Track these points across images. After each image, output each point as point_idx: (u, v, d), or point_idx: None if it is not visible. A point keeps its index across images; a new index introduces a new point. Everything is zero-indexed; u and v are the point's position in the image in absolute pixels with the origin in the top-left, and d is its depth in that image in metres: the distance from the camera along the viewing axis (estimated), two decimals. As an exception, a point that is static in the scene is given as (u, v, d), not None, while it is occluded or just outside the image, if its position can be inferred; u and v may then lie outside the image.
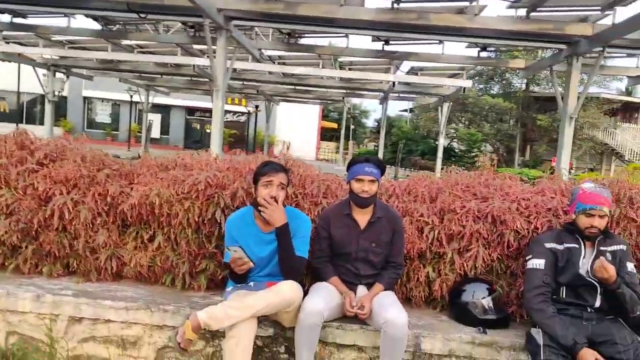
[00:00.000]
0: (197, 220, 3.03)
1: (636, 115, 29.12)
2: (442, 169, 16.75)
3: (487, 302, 2.91)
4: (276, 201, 2.66)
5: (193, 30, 10.90)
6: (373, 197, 2.84)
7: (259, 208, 2.66)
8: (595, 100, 24.05)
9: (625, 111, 28.22)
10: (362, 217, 2.88)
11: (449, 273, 3.06)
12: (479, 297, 2.92)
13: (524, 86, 27.27)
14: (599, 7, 7.05)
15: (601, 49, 7.44)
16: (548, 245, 2.77)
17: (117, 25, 11.58)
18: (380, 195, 3.21)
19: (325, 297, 2.68)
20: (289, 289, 2.55)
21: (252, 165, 3.20)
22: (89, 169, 3.32)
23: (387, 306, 2.62)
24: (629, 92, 30.86)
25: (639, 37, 7.06)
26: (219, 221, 3.01)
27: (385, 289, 2.84)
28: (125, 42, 13.56)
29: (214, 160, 3.41)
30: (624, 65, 10.02)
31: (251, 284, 2.76)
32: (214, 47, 8.65)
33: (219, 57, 8.64)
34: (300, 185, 3.24)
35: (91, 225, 3.15)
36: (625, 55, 9.28)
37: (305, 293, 2.73)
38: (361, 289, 2.86)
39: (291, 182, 3.04)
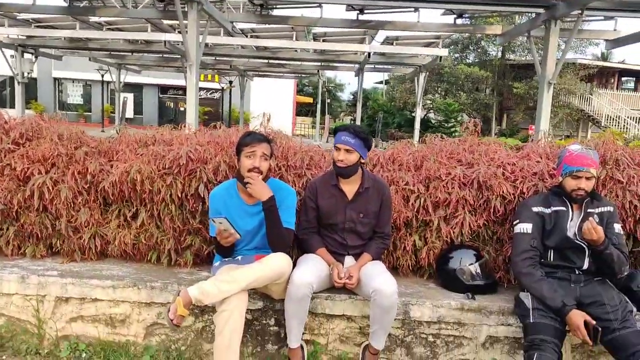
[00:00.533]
0: (180, 195, 2.96)
1: (612, 80, 29.44)
2: (419, 140, 16.73)
3: (475, 268, 2.93)
4: (260, 172, 2.61)
5: (163, 4, 10.57)
6: (351, 168, 2.77)
7: (245, 182, 2.61)
8: (571, 66, 24.21)
9: (601, 77, 28.49)
10: (350, 188, 2.84)
11: (435, 241, 3.07)
12: (466, 263, 2.94)
13: (499, 54, 27.33)
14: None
15: (579, 11, 7.42)
16: (535, 209, 2.77)
17: (84, 2, 11.16)
18: (364, 165, 3.18)
19: (313, 268, 2.66)
20: (278, 261, 2.53)
21: (233, 139, 3.13)
22: (66, 147, 3.22)
23: (375, 275, 2.62)
24: (604, 57, 31.19)
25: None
26: (202, 196, 2.95)
27: (373, 259, 2.83)
28: (93, 19, 13.15)
29: (194, 134, 3.33)
30: (602, 29, 10.06)
31: (239, 257, 2.73)
32: (185, 21, 8.43)
33: (190, 32, 8.43)
34: (283, 157, 3.19)
35: (72, 205, 3.08)
36: (602, 18, 9.29)
37: (293, 265, 2.71)
38: (349, 260, 2.85)
39: (274, 155, 2.99)
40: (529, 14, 8.96)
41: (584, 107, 25.60)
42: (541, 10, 8.07)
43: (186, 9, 8.46)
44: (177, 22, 8.55)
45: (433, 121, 29.55)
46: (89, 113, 30.18)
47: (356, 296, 2.78)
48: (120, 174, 3.00)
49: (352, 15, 10.22)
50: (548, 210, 2.75)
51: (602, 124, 24.92)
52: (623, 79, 31.61)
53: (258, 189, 2.58)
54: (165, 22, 13.21)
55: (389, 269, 3.00)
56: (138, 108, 30.53)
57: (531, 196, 2.97)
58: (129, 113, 29.12)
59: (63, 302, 2.86)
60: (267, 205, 2.59)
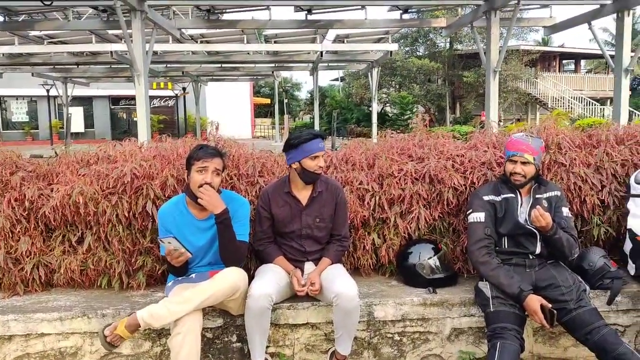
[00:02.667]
0: (127, 215, 2.84)
1: (554, 63, 30.59)
2: (377, 134, 16.89)
3: (434, 261, 2.93)
4: (212, 188, 2.50)
5: (106, 14, 10.25)
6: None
7: (198, 196, 2.49)
8: (515, 52, 24.95)
9: (543, 61, 29.55)
10: (303, 193, 2.78)
11: (393, 237, 3.05)
12: (425, 257, 2.93)
13: (447, 45, 27.89)
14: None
15: (516, 1, 7.64)
16: (486, 197, 2.80)
17: (22, 16, 10.70)
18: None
19: (272, 279, 2.60)
20: (231, 276, 2.44)
21: (180, 151, 3.02)
22: (0, 174, 3.03)
23: (336, 279, 2.57)
24: (545, 42, 32.33)
25: (551, -13, 7.31)
26: (151, 214, 2.83)
27: (332, 263, 2.78)
28: (33, 33, 12.62)
29: (139, 149, 3.20)
30: (539, 16, 10.38)
31: (192, 275, 2.63)
32: (130, 30, 8.19)
33: (136, 40, 8.20)
34: (235, 166, 3.10)
35: (10, 234, 2.89)
36: (539, 6, 9.60)
37: (252, 277, 2.64)
38: (308, 266, 2.79)
39: (227, 167, 2.90)
40: (471, 6, 9.15)
41: (530, 90, 26.50)
42: (481, 2, 8.28)
43: (130, 18, 8.22)
44: (122, 31, 8.28)
45: (390, 114, 29.88)
46: (37, 130, 29.04)
47: (319, 303, 2.72)
48: (61, 198, 2.84)
49: (301, 15, 10.19)
50: (498, 198, 2.78)
51: (549, 106, 25.84)
52: (564, 61, 33.01)
53: (211, 201, 2.48)
54: (111, 32, 12.84)
55: (351, 270, 2.99)
56: (89, 121, 29.57)
57: (481, 185, 3.01)
58: (80, 127, 28.23)
59: (6, 340, 2.67)
60: (221, 219, 2.49)
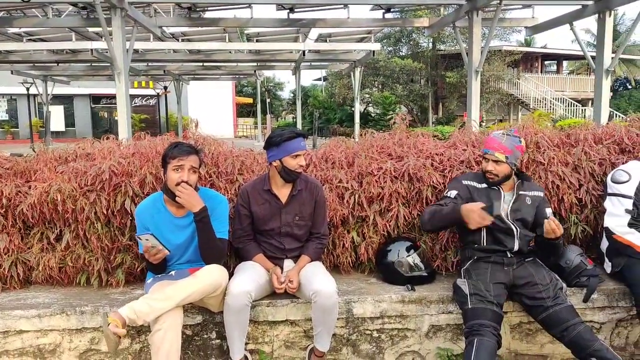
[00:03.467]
0: (105, 212, 2.82)
1: (536, 64, 30.94)
2: (361, 134, 16.91)
3: (412, 259, 2.96)
4: (189, 186, 2.50)
5: (86, 11, 10.13)
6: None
7: (176, 194, 2.48)
8: (497, 53, 25.17)
9: (525, 62, 29.84)
10: (283, 191, 2.80)
11: (373, 235, 3.08)
12: (403, 255, 2.96)
13: (430, 45, 28.06)
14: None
15: (498, 1, 7.70)
16: (465, 182, 2.83)
17: (1, 13, 10.52)
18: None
19: (251, 276, 2.61)
20: (212, 273, 2.44)
21: (159, 148, 3.01)
22: (-23, 172, 2.99)
23: (314, 277, 2.59)
24: (527, 43, 32.70)
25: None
26: (129, 211, 2.82)
27: (311, 260, 2.81)
28: (12, 30, 12.42)
29: (118, 146, 3.18)
30: (521, 17, 10.48)
31: (172, 273, 2.63)
32: (110, 28, 8.12)
33: (116, 38, 8.14)
34: (214, 164, 3.10)
35: (-13, 232, 2.86)
36: (521, 7, 9.69)
37: (231, 275, 2.64)
38: (288, 263, 2.81)
39: (204, 163, 2.90)
40: (453, 6, 9.23)
41: (512, 91, 26.76)
42: (463, 2, 8.34)
43: (110, 16, 8.14)
44: (102, 28, 8.19)
45: (372, 114, 29.96)
46: (17, 129, 28.60)
47: (298, 300, 2.74)
48: (39, 195, 2.82)
49: (283, 14, 10.19)
50: (479, 186, 2.81)
51: (531, 107, 26.14)
52: (546, 62, 33.36)
53: (189, 199, 2.47)
54: (91, 29, 12.69)
55: (330, 268, 3.01)
56: (69, 120, 29.19)
57: (465, 173, 3.04)
58: (60, 126, 27.85)
59: (-16, 337, 2.66)
60: (200, 217, 2.49)
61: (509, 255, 2.77)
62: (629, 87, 38.71)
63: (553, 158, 3.20)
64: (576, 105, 26.06)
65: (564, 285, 2.76)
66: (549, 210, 2.84)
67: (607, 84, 8.40)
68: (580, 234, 3.17)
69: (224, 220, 2.65)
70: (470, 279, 2.70)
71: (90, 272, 2.92)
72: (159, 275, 2.62)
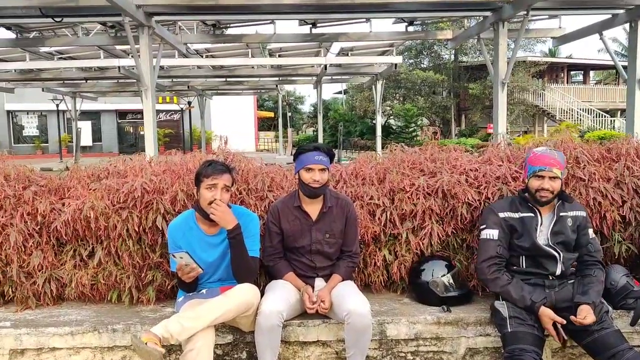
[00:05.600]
0: (137, 230, 2.82)
1: (562, 75, 30.45)
2: (383, 147, 16.93)
3: (448, 279, 2.88)
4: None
5: (114, 30, 10.36)
6: (324, 187, 2.71)
7: (209, 212, 2.47)
8: (522, 64, 24.88)
9: (551, 72, 29.41)
10: (313, 208, 2.76)
11: (405, 254, 3.01)
12: (438, 275, 2.88)
13: (452, 57, 27.90)
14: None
15: (525, 12, 7.58)
16: (502, 214, 2.72)
17: (33, 33, 10.83)
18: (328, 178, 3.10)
19: (282, 295, 2.56)
20: (244, 292, 2.41)
21: (189, 165, 3.01)
22: (14, 188, 3.04)
23: (347, 297, 2.54)
24: (552, 54, 32.24)
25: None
26: (161, 228, 2.82)
27: (343, 279, 2.75)
28: (43, 49, 12.77)
29: (149, 163, 3.19)
30: (548, 27, 10.28)
31: (203, 291, 2.61)
32: (137, 45, 8.25)
33: (143, 56, 8.25)
34: (244, 181, 3.08)
35: (23, 248, 2.90)
36: (547, 17, 9.51)
37: (261, 293, 2.61)
38: (319, 282, 2.76)
39: (236, 181, 2.88)
40: (477, 17, 9.13)
41: (537, 102, 26.34)
42: (488, 14, 8.23)
43: (137, 34, 8.28)
44: (129, 46, 8.35)
45: (394, 127, 29.84)
46: (46, 144, 29.32)
47: (330, 320, 2.68)
48: (72, 212, 2.84)
49: (306, 29, 10.22)
50: (516, 215, 2.70)
51: (557, 118, 25.69)
52: (571, 72, 32.78)
53: (223, 216, 2.46)
54: (118, 47, 12.96)
55: (361, 287, 2.95)
56: (97, 135, 29.80)
57: (497, 200, 2.94)
58: (88, 141, 28.46)
59: (18, 354, 2.67)
60: (234, 234, 2.47)
61: (551, 278, 2.66)
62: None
63: (594, 174, 3.07)
64: (604, 116, 25.51)
65: (610, 308, 2.62)
66: (591, 231, 2.73)
67: (640, 94, 8.14)
68: (625, 253, 3.04)
69: (256, 238, 2.63)
70: (509, 301, 2.60)
71: (121, 290, 2.92)
72: (191, 294, 2.60)
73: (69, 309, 2.91)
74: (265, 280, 2.89)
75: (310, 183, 2.66)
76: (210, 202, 2.46)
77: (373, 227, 3.01)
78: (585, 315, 2.44)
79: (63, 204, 2.97)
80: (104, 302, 2.97)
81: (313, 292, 2.69)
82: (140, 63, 8.25)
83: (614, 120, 25.55)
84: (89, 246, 2.95)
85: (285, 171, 3.30)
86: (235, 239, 2.47)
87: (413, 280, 2.99)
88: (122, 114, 30.02)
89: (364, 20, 9.81)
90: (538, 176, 2.62)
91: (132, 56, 8.53)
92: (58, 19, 8.36)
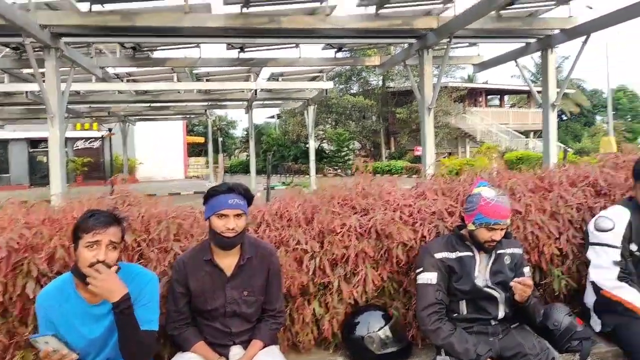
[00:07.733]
0: (2, 299, 2.24)
1: (480, 99, 32.17)
2: (317, 171, 16.71)
3: (384, 332, 2.53)
4: (108, 266, 1.97)
5: (19, 52, 9.48)
6: (241, 235, 2.26)
7: (87, 278, 1.94)
8: (444, 89, 25.93)
9: (470, 97, 30.95)
10: (228, 261, 2.31)
11: (337, 305, 2.64)
12: (374, 328, 2.53)
13: (380, 83, 28.56)
14: (441, 0, 7.25)
15: (448, 40, 7.70)
16: (439, 255, 2.48)
17: None
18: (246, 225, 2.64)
19: (190, 372, 2.08)
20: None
21: (75, 214, 2.46)
22: None
23: (270, 369, 2.10)
24: (470, 80, 33.99)
25: (479, 27, 7.41)
26: (33, 296, 2.24)
27: (265, 345, 2.31)
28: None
29: (26, 211, 2.60)
30: (468, 55, 10.64)
31: (86, 377, 2.06)
32: (42, 70, 7.51)
33: (50, 80, 7.52)
34: (144, 230, 2.56)
35: None
36: (467, 44, 9.84)
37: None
38: (236, 350, 2.29)
39: (130, 228, 2.38)
40: (402, 45, 9.21)
41: (460, 125, 27.51)
42: (413, 41, 8.34)
43: (43, 57, 7.54)
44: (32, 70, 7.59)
45: (327, 151, 29.94)
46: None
47: (250, 395, 2.23)
48: None
49: (234, 54, 9.87)
50: (453, 256, 2.48)
51: (478, 139, 26.90)
52: (489, 97, 35.04)
53: (105, 285, 1.92)
54: (26, 71, 11.95)
55: (288, 347, 2.55)
56: (4, 166, 27.44)
57: (433, 240, 2.67)
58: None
59: None
60: (120, 308, 1.94)
61: (493, 324, 2.47)
62: (564, 118, 40.61)
63: (530, 205, 2.92)
64: (520, 137, 27.01)
65: (556, 354, 2.47)
66: (527, 270, 2.58)
67: (554, 117, 8.54)
68: (564, 289, 2.88)
69: (154, 306, 2.10)
70: (452, 355, 2.34)
71: (-18, 375, 2.31)
72: (71, 380, 2.04)
73: None
74: (169, 352, 2.38)
75: (223, 232, 2.21)
76: (91, 264, 1.94)
77: (300, 277, 2.60)
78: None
79: None
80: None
81: (229, 363, 2.22)
82: (46, 88, 7.51)
83: (528, 141, 27.11)
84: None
85: (197, 214, 2.82)
86: (123, 313, 1.94)
87: (347, 336, 2.62)
88: (34, 143, 27.83)
89: (294, 45, 9.64)
90: (491, 228, 2.41)
91: (37, 81, 7.76)
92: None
